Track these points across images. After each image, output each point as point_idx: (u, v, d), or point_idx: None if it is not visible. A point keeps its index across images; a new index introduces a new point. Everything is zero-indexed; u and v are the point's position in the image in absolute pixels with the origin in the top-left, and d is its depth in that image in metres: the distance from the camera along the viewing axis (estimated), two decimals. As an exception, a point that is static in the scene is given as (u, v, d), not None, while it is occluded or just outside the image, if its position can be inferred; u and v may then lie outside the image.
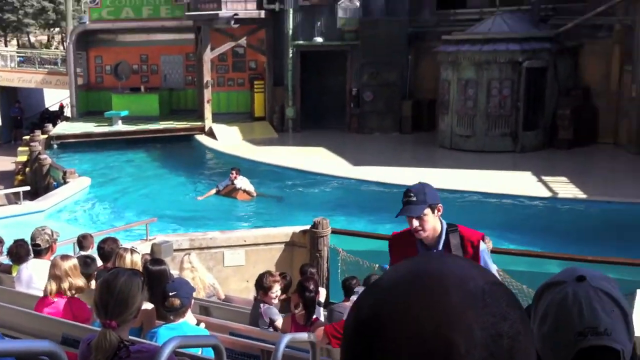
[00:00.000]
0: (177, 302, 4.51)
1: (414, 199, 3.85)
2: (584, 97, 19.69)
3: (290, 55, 23.34)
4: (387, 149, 20.36)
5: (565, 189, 14.94)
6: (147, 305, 4.84)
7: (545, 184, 15.44)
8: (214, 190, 16.59)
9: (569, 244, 11.37)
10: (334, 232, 10.44)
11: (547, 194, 14.73)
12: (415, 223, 3.84)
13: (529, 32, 19.16)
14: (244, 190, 16.30)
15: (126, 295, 3.22)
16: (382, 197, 15.80)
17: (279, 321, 6.23)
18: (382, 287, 0.78)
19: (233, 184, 16.32)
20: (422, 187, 3.94)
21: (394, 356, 0.71)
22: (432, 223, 3.88)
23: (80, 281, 5.63)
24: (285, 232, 10.95)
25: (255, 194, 16.46)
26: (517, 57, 18.78)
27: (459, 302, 0.73)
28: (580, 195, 14.45)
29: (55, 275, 5.48)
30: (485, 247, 3.96)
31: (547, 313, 1.53)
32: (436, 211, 3.91)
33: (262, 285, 6.44)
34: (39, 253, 6.65)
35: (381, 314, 0.74)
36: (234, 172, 16.43)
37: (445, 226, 3.95)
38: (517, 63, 18.82)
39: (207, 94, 23.56)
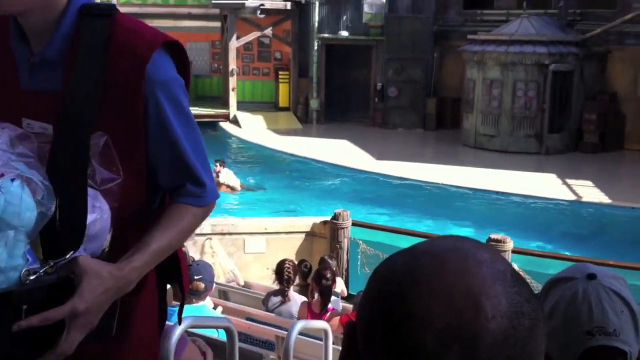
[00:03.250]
0: (201, 285, 4.55)
1: None
2: (611, 103, 19.48)
3: (316, 47, 23.35)
4: (411, 145, 20.30)
5: (590, 193, 14.79)
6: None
7: (569, 187, 15.31)
8: None
9: (592, 248, 11.30)
10: (354, 224, 10.43)
11: (572, 197, 14.61)
12: None
13: (556, 36, 19.02)
14: (227, 185, 15.19)
15: None
16: (404, 193, 15.79)
17: None
18: (418, 250, 0.81)
19: (217, 177, 14.67)
20: None
21: (424, 309, 0.75)
22: None
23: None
24: (305, 222, 10.97)
25: (239, 189, 15.54)
26: (544, 60, 18.65)
27: (490, 274, 0.77)
28: (606, 200, 14.30)
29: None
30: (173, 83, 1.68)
31: (555, 309, 1.52)
32: None
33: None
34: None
35: (415, 272, 0.78)
36: (217, 164, 15.01)
37: (78, 3, 1.62)
38: (544, 65, 18.69)
39: (232, 82, 23.64)
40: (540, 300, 0.82)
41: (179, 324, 2.33)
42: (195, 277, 4.53)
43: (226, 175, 15.43)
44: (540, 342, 0.77)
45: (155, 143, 1.65)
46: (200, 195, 1.71)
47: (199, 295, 4.58)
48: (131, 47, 1.61)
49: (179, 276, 1.87)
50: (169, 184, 1.71)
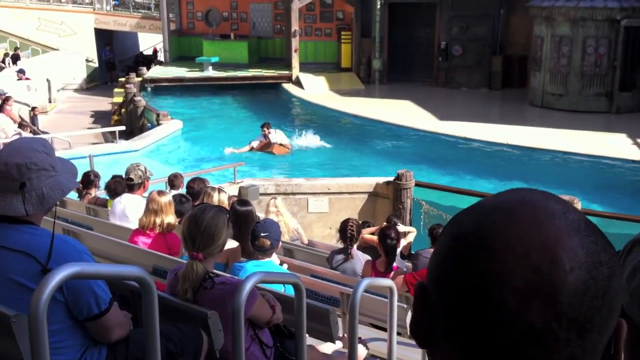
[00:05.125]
0: (267, 242, 4.61)
1: None
2: (687, 59, 18.70)
3: (378, 6, 23.02)
4: (475, 105, 19.97)
5: (663, 153, 14.34)
6: (233, 244, 4.98)
7: (641, 146, 14.86)
8: (247, 148, 16.02)
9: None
10: (417, 185, 10.41)
11: (643, 157, 14.19)
12: None
13: (628, -11, 18.29)
14: (280, 144, 15.97)
15: (212, 230, 3.35)
16: (468, 153, 15.61)
17: None
18: (486, 207, 0.78)
19: (267, 138, 15.92)
20: None
21: (500, 267, 0.72)
22: None
23: (172, 217, 5.83)
24: (368, 182, 11.00)
25: (290, 147, 16.18)
26: (616, 15, 17.98)
27: (564, 226, 0.74)
28: (678, 160, 13.83)
29: (151, 210, 5.70)
30: None
31: (636, 268, 1.50)
32: None
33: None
34: (131, 188, 6.90)
35: (487, 229, 0.75)
36: (265, 127, 15.95)
37: None
38: (615, 21, 18.03)
39: (295, 43, 23.61)
40: (620, 254, 0.81)
41: None
42: (262, 235, 4.60)
43: (276, 135, 16.04)
44: (618, 289, 0.76)
45: None
46: None
47: (264, 252, 4.65)
48: None
49: None
50: None
